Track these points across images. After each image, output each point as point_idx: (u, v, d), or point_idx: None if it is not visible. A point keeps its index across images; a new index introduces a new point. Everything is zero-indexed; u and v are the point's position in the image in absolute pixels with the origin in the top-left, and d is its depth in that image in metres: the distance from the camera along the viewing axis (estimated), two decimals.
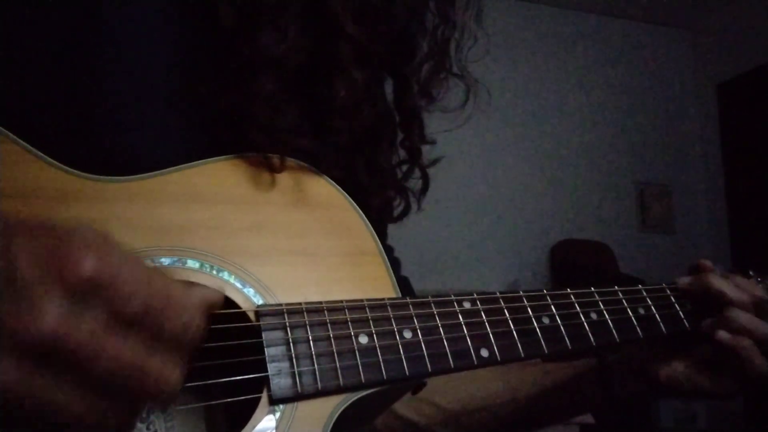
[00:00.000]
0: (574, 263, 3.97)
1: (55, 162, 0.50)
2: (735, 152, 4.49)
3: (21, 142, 0.49)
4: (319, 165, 0.62)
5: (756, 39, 4.30)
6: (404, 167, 0.78)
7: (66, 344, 0.33)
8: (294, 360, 0.50)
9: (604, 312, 0.68)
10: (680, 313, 0.74)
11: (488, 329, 0.59)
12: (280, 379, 0.49)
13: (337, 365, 0.51)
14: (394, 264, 0.71)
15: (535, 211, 4.20)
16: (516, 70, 4.22)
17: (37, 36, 0.55)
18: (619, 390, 0.75)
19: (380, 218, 0.74)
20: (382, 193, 0.74)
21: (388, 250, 0.74)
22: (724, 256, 4.40)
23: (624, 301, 0.71)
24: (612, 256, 4.15)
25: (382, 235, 0.73)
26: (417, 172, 0.78)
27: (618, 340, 0.67)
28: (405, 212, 0.79)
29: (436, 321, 0.57)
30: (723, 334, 0.70)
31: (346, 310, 0.54)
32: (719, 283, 0.73)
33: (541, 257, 4.16)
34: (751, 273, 0.79)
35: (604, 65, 4.59)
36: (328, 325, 0.53)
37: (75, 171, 0.51)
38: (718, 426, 3.89)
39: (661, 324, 0.72)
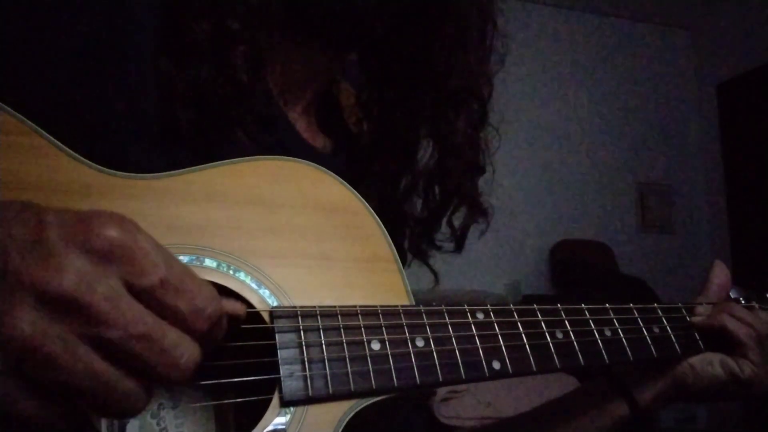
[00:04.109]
0: (574, 263, 3.97)
1: (79, 157, 0.50)
2: (735, 152, 4.48)
3: (47, 135, 0.49)
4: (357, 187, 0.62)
5: (756, 39, 4.29)
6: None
7: (82, 303, 0.34)
8: (306, 363, 0.50)
9: (619, 330, 0.67)
10: (695, 334, 0.74)
11: (501, 341, 0.59)
12: (291, 382, 0.49)
13: (349, 370, 0.51)
14: None
15: (535, 211, 4.19)
16: (516, 69, 4.20)
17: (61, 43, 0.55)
18: (640, 396, 0.74)
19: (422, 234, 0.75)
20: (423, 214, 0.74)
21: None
22: (724, 257, 4.35)
23: (639, 319, 0.70)
24: (612, 256, 4.15)
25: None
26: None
27: (632, 358, 0.67)
28: (467, 226, 0.79)
29: (449, 331, 0.57)
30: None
31: (360, 316, 0.54)
32: (733, 325, 0.73)
33: (541, 257, 4.15)
34: None
35: (604, 65, 4.58)
36: (341, 329, 0.53)
37: (99, 167, 0.51)
38: (718, 426, 3.89)
39: (676, 345, 0.72)
